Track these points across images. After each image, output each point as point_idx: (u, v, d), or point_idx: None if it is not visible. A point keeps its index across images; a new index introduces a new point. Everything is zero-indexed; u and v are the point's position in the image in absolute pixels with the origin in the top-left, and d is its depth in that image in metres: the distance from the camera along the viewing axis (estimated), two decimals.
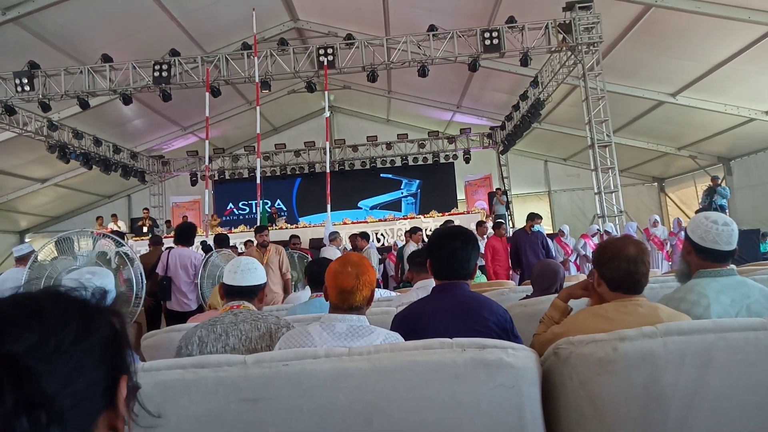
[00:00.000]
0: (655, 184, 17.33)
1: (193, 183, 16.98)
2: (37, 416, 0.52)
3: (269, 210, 15.10)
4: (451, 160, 17.13)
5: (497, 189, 15.03)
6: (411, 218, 12.79)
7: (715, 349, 1.36)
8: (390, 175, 17.39)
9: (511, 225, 13.81)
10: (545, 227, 9.39)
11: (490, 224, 11.28)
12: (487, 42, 9.70)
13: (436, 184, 17.14)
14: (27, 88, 10.06)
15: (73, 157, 12.70)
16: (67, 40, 10.13)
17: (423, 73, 10.17)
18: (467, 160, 16.64)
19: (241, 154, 17.26)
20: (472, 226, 8.82)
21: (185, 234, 6.32)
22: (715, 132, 12.32)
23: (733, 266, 2.00)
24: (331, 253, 5.59)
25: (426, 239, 8.67)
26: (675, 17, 8.80)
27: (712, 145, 13.18)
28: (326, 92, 10.56)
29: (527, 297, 3.21)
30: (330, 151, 12.89)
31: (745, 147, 12.63)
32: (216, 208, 16.96)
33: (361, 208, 17.04)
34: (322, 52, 10.13)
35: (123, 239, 7.46)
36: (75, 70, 10.34)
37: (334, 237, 8.30)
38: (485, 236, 8.70)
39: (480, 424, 1.35)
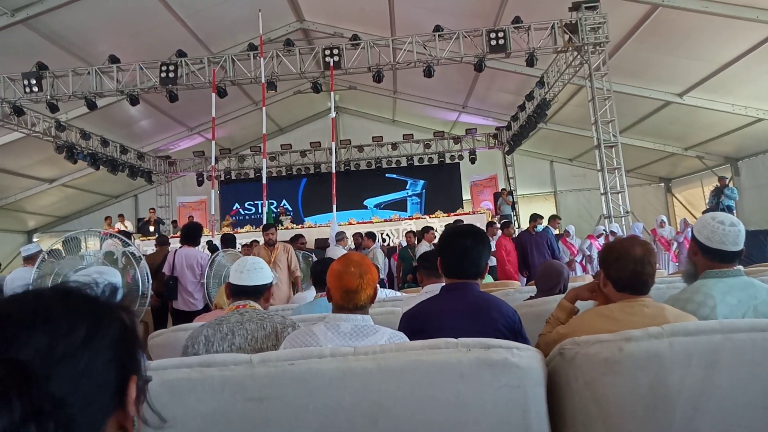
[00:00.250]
0: (662, 184, 17.23)
1: (200, 183, 17.04)
2: (45, 424, 0.51)
3: (276, 210, 15.14)
4: (456, 160, 17.08)
5: (503, 189, 15.00)
6: (417, 218, 12.78)
7: (721, 349, 1.36)
8: (395, 176, 17.38)
9: (517, 225, 13.78)
10: (551, 228, 9.35)
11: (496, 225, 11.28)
12: (493, 42, 9.67)
13: (441, 185, 17.11)
14: (35, 89, 10.12)
15: (80, 157, 12.77)
16: (74, 42, 10.19)
17: (429, 73, 10.16)
18: (473, 161, 16.61)
19: (247, 154, 17.29)
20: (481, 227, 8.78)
21: (191, 234, 6.36)
22: (723, 132, 12.23)
23: (740, 267, 1.99)
24: (336, 253, 5.60)
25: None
26: (682, 17, 8.75)
27: (719, 145, 13.10)
28: (332, 93, 10.56)
29: (531, 298, 3.21)
30: (336, 152, 12.92)
31: (753, 147, 12.54)
32: (222, 208, 17.01)
33: (366, 207, 17.06)
34: (327, 52, 10.13)
35: (130, 239, 7.51)
36: (82, 71, 10.40)
37: (341, 237, 8.31)
38: (494, 237, 8.66)
39: (485, 424, 1.35)
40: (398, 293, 4.35)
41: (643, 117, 12.64)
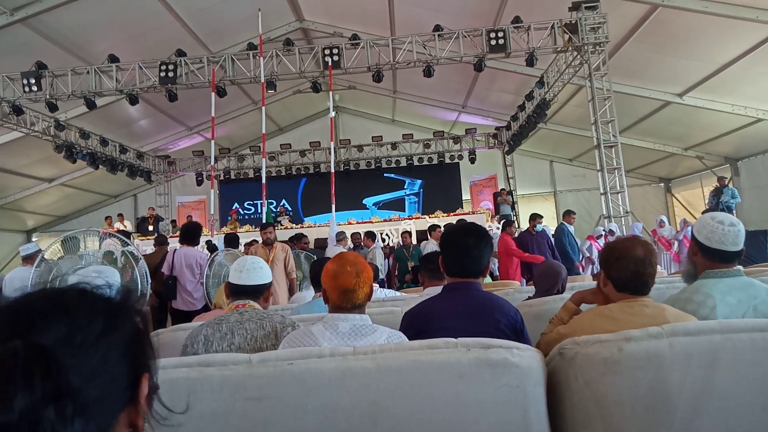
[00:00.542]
0: (662, 184, 17.24)
1: (199, 183, 17.03)
2: (63, 407, 0.53)
3: (275, 210, 15.14)
4: (456, 160, 17.07)
5: (502, 189, 15.00)
6: (416, 218, 12.78)
7: (721, 350, 1.36)
8: (393, 175, 17.39)
9: (516, 225, 13.78)
10: (551, 228, 9.33)
11: (495, 224, 11.28)
12: (493, 42, 9.67)
13: (441, 185, 17.09)
14: (34, 88, 10.12)
15: (79, 156, 12.77)
16: (74, 41, 10.18)
17: (428, 73, 10.16)
18: (472, 161, 16.60)
19: (247, 154, 17.29)
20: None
21: (190, 233, 6.35)
22: (723, 132, 12.24)
23: (739, 267, 1.99)
24: (336, 252, 5.59)
25: None
26: (682, 17, 8.75)
27: (719, 145, 13.10)
28: (331, 92, 10.56)
29: (530, 298, 3.21)
30: (335, 152, 12.90)
31: (753, 147, 12.55)
32: (221, 208, 17.01)
33: (366, 206, 17.06)
34: (327, 52, 10.13)
35: (129, 239, 7.50)
36: (82, 71, 10.39)
37: (341, 237, 8.30)
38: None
39: (484, 424, 1.35)
40: (398, 293, 4.35)
41: (642, 117, 12.64)
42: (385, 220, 13.10)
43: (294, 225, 13.27)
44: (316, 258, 7.22)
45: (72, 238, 4.73)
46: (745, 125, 11.51)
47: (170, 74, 10.31)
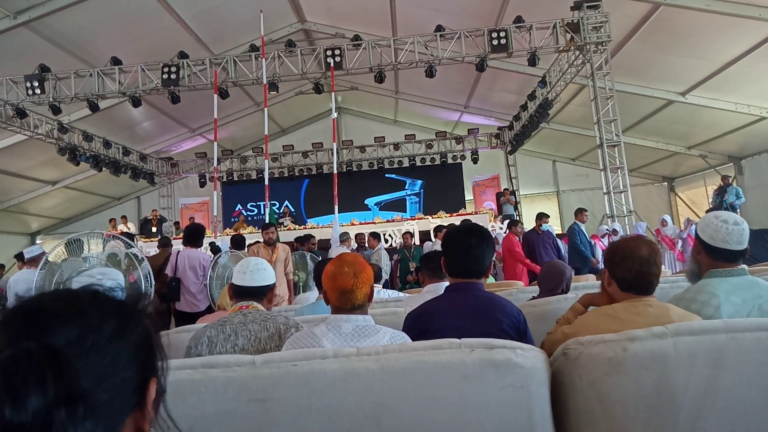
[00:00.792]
0: (665, 183, 17.19)
1: (202, 184, 17.05)
2: (75, 409, 0.54)
3: (279, 212, 15.15)
4: (458, 160, 17.06)
5: (505, 189, 14.99)
6: (419, 219, 12.77)
7: (726, 349, 1.35)
8: (394, 176, 17.38)
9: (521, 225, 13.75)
10: (554, 227, 9.30)
11: (498, 224, 11.27)
12: (495, 42, 9.66)
13: (443, 185, 17.07)
14: (38, 91, 10.16)
15: (83, 159, 12.81)
16: (76, 44, 10.21)
17: (430, 73, 10.16)
18: (475, 161, 16.59)
19: (249, 155, 17.30)
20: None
21: (194, 235, 6.36)
22: (726, 131, 12.20)
23: (744, 266, 1.98)
24: (339, 253, 5.58)
25: None
26: (684, 15, 8.73)
27: (722, 144, 13.06)
28: (333, 93, 10.56)
29: (534, 298, 3.20)
30: (337, 152, 12.90)
31: (756, 146, 12.50)
32: (224, 209, 17.04)
33: (368, 206, 17.06)
34: (329, 53, 10.13)
35: (132, 241, 7.52)
36: (85, 73, 10.43)
37: (345, 238, 8.30)
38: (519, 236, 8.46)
39: (488, 425, 1.35)
40: (400, 294, 4.34)
41: (645, 116, 12.61)
42: (388, 221, 13.10)
43: (297, 226, 13.28)
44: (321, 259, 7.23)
45: (76, 241, 4.74)
46: (749, 123, 11.47)
47: (173, 76, 10.33)
